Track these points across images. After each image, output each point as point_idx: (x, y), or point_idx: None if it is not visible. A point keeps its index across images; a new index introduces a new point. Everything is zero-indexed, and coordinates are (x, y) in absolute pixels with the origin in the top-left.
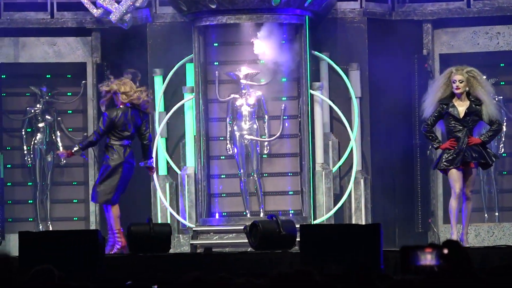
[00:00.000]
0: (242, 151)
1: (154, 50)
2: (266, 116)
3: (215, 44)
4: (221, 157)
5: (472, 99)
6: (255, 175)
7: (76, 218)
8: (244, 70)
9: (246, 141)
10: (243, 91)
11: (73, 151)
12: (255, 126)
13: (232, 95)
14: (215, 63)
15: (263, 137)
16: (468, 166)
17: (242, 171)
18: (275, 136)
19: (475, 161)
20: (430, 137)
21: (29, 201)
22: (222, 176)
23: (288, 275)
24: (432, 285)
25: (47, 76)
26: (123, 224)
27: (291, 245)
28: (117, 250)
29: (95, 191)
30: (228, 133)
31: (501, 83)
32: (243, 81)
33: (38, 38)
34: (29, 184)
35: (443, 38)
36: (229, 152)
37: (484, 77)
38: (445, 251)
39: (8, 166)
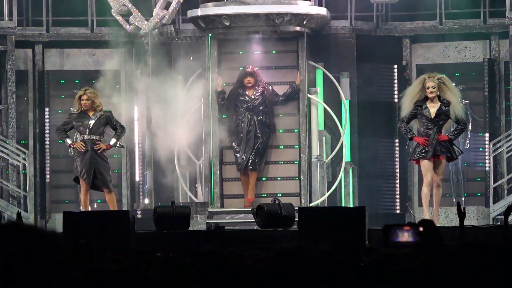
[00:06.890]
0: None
1: (178, 59)
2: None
3: (228, 54)
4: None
5: (442, 101)
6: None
7: None
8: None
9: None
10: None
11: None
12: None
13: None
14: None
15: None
16: (438, 158)
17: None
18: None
19: (443, 154)
20: (405, 130)
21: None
22: (232, 164)
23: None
24: (410, 258)
25: (88, 80)
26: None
27: (291, 224)
28: None
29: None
30: None
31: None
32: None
33: (80, 49)
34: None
35: (419, 51)
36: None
37: (453, 83)
38: (421, 229)
39: (53, 156)
